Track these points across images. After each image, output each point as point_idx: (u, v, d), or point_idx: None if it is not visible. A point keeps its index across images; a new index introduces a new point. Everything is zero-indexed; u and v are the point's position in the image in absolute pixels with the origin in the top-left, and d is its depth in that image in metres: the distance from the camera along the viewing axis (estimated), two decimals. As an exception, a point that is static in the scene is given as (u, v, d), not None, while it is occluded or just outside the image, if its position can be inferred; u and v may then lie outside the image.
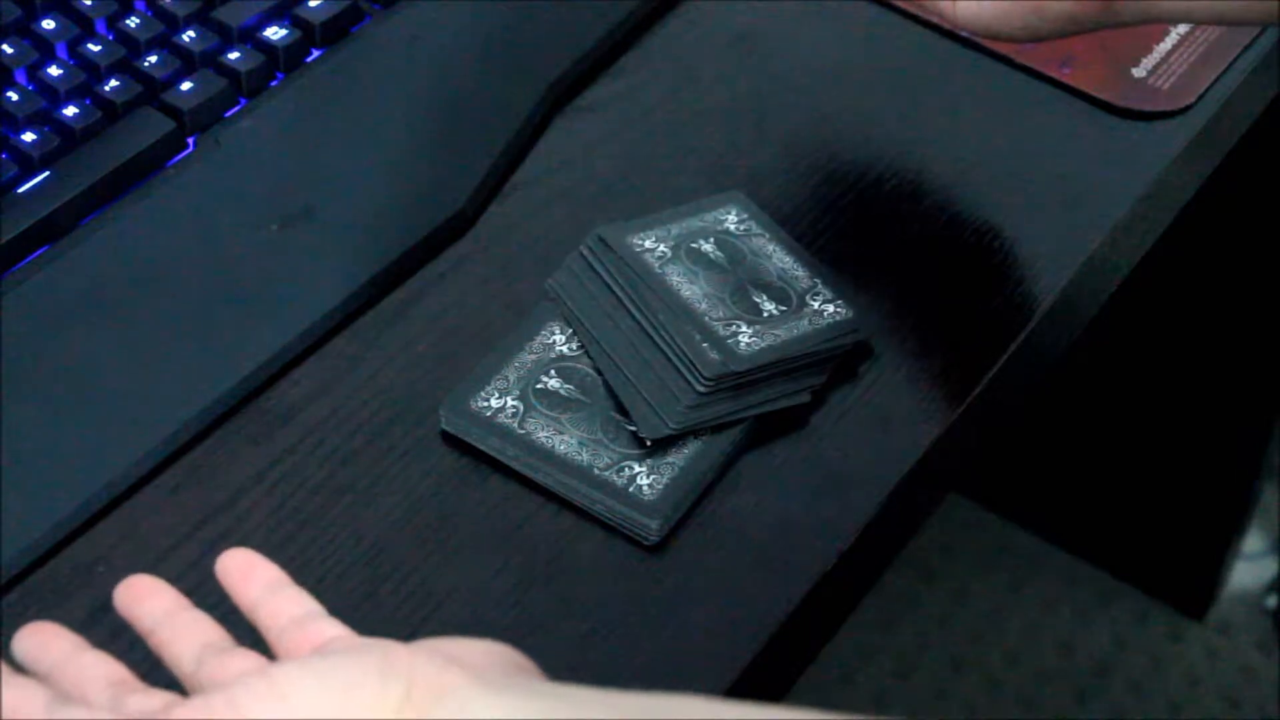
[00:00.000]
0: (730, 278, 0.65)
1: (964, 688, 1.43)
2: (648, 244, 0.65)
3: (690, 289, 0.64)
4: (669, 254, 0.65)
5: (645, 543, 0.60)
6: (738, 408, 0.62)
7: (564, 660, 0.56)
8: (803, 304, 0.65)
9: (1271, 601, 1.48)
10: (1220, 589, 1.47)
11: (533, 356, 0.63)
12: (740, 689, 0.57)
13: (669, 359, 0.62)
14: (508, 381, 0.63)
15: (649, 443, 0.61)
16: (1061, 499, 1.48)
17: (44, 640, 0.50)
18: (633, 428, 0.61)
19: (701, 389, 0.61)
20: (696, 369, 0.61)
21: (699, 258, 0.66)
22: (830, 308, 0.65)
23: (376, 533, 0.60)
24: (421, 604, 0.58)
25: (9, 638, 0.56)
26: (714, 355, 0.62)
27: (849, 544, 0.60)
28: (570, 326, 0.64)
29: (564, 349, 0.64)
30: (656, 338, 0.63)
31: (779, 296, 0.65)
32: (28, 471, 0.59)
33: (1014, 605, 1.48)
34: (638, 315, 0.63)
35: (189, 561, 0.58)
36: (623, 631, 0.58)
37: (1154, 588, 1.48)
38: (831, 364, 0.64)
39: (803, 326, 0.64)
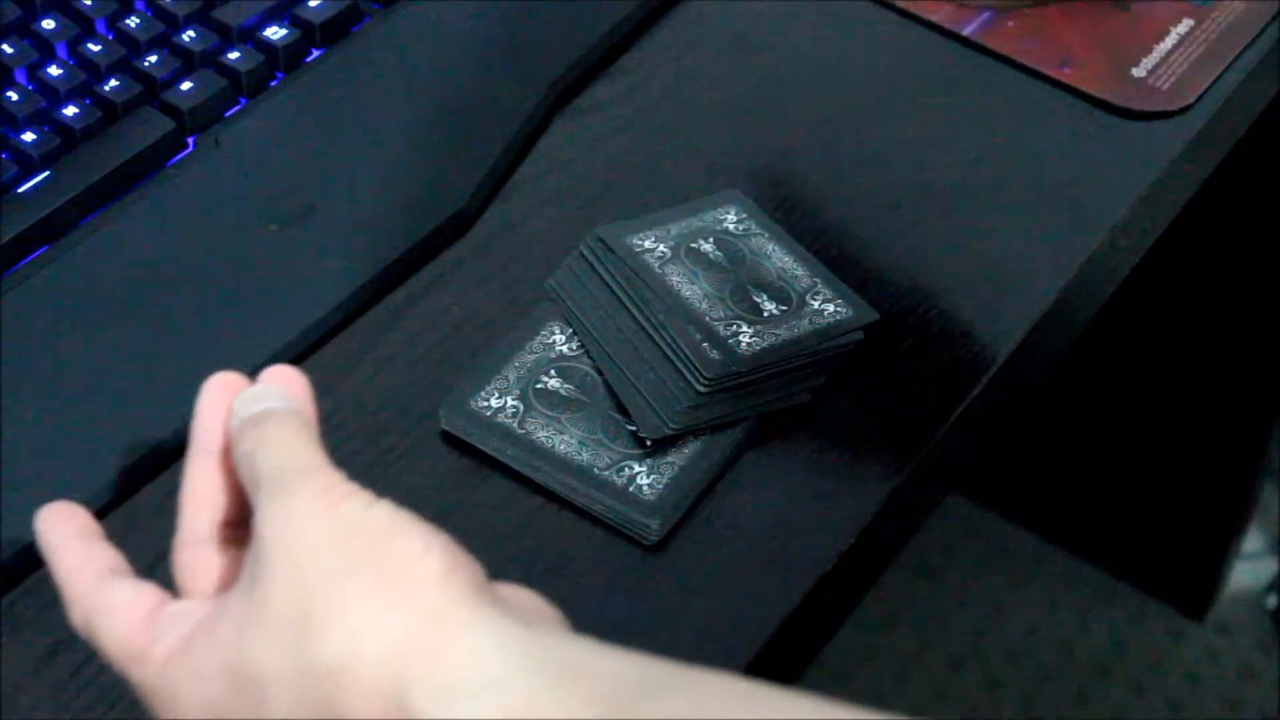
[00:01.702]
0: (730, 277, 0.65)
1: (964, 688, 1.43)
2: (647, 244, 0.65)
3: (690, 289, 0.64)
4: (669, 254, 0.65)
5: (645, 543, 0.60)
6: (738, 408, 0.62)
7: (564, 660, 0.56)
8: (803, 304, 0.65)
9: (1271, 601, 1.48)
10: (1220, 589, 1.47)
11: (533, 356, 0.63)
12: (740, 689, 0.57)
13: (669, 359, 0.62)
14: (508, 381, 0.63)
15: (649, 442, 0.61)
16: (1061, 499, 1.49)
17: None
18: (633, 427, 0.61)
19: (702, 389, 0.61)
20: (697, 369, 0.61)
21: (699, 258, 0.66)
22: (830, 307, 0.65)
23: (376, 533, 0.60)
24: (421, 604, 0.58)
25: (9, 638, 0.56)
26: (714, 355, 0.62)
27: (849, 544, 0.60)
28: (570, 326, 0.64)
29: (564, 349, 0.64)
30: (657, 338, 0.63)
31: (779, 296, 0.65)
32: (28, 471, 0.59)
33: (1014, 605, 1.48)
34: (638, 315, 0.63)
35: (189, 561, 0.58)
36: (623, 631, 0.58)
37: (1154, 588, 1.48)
38: (832, 364, 0.64)
39: (803, 326, 0.64)
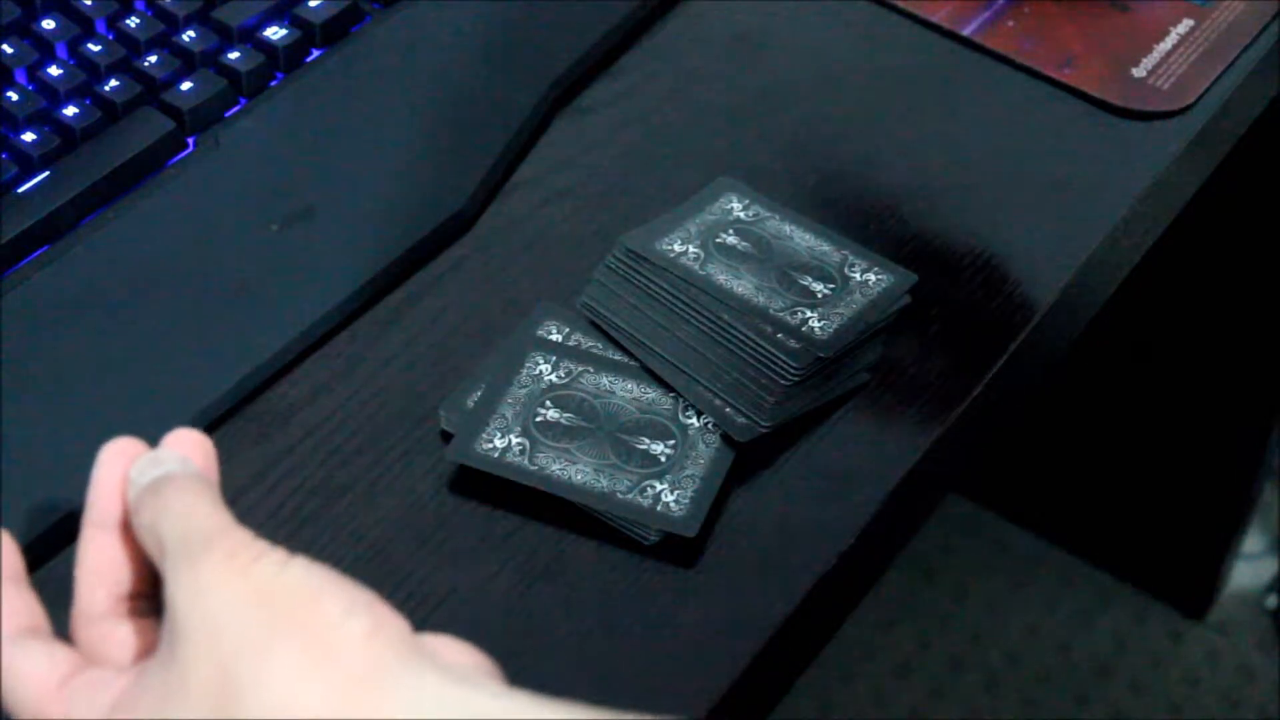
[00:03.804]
0: (768, 266, 0.65)
1: (964, 688, 1.43)
2: (676, 247, 0.65)
3: (740, 284, 0.63)
4: (702, 254, 0.65)
5: (644, 544, 0.60)
6: (816, 396, 0.62)
7: (564, 660, 0.56)
8: (846, 278, 0.65)
9: (1271, 601, 1.48)
10: (1220, 589, 1.47)
11: (524, 390, 0.62)
12: (740, 689, 0.57)
13: (744, 358, 0.62)
14: (506, 420, 0.61)
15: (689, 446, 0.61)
16: (1061, 499, 1.49)
17: None
18: (643, 445, 0.61)
19: (790, 381, 0.61)
20: (783, 361, 0.61)
21: (730, 252, 0.65)
22: (872, 276, 0.65)
23: (376, 533, 0.60)
24: (421, 604, 0.58)
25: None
26: (794, 344, 0.61)
27: (849, 544, 0.60)
28: (619, 342, 0.63)
29: (552, 378, 0.63)
30: (723, 339, 0.62)
31: (820, 275, 0.65)
32: (27, 472, 0.59)
33: (1014, 605, 1.48)
34: (696, 320, 0.63)
35: (189, 561, 0.58)
36: (623, 631, 0.58)
37: (1154, 588, 1.48)
38: (879, 339, 0.65)
39: (858, 300, 0.64)
